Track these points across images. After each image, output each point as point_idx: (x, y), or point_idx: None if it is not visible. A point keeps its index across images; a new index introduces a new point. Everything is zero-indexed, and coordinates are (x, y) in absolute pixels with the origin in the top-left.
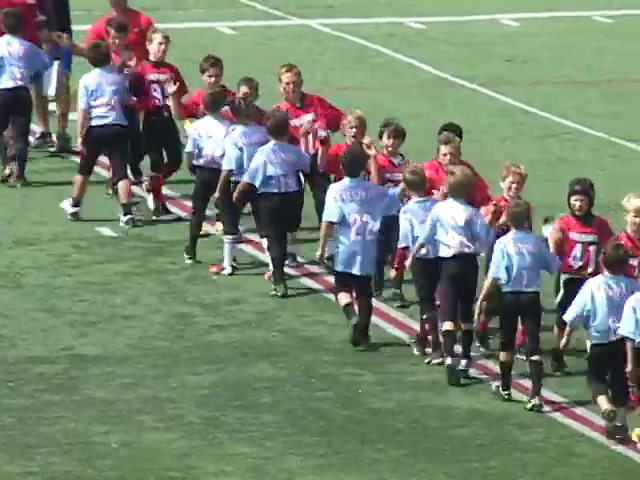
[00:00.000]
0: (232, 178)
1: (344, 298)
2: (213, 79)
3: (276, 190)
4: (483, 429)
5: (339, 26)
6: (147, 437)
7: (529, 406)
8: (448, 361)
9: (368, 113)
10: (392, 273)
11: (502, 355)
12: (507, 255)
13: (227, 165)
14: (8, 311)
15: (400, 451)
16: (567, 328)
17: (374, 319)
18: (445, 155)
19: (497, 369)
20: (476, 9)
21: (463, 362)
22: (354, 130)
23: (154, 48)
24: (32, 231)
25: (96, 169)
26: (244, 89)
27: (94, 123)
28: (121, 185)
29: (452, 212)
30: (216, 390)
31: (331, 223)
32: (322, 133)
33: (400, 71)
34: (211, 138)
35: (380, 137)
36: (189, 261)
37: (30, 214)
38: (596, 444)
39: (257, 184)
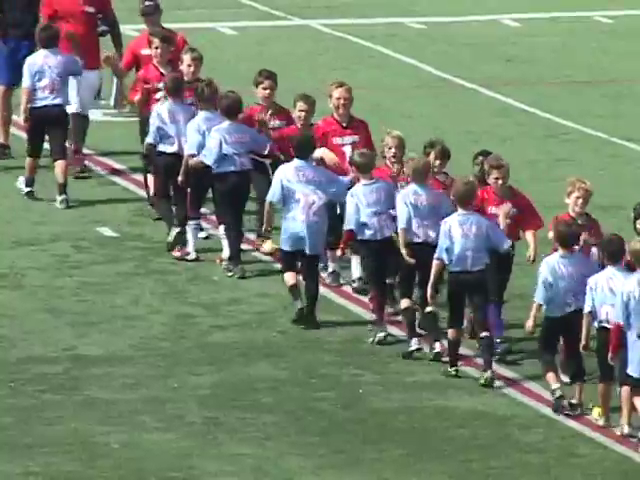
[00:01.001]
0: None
1: (290, 279)
2: (267, 92)
3: (231, 169)
4: (484, 429)
5: (340, 26)
6: (148, 437)
7: (482, 381)
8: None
9: (369, 113)
10: (338, 252)
11: (450, 332)
12: (450, 237)
13: (189, 150)
14: (9, 311)
15: (400, 451)
16: (534, 310)
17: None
18: (497, 179)
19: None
20: (477, 9)
21: (413, 341)
22: (393, 150)
23: (184, 69)
24: (33, 231)
25: (102, 172)
26: (301, 105)
27: (36, 104)
28: (58, 164)
29: (416, 197)
30: (217, 390)
31: (271, 203)
32: (334, 160)
33: (401, 71)
34: (173, 123)
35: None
36: (177, 253)
37: (30, 214)
38: (596, 444)
39: (211, 162)
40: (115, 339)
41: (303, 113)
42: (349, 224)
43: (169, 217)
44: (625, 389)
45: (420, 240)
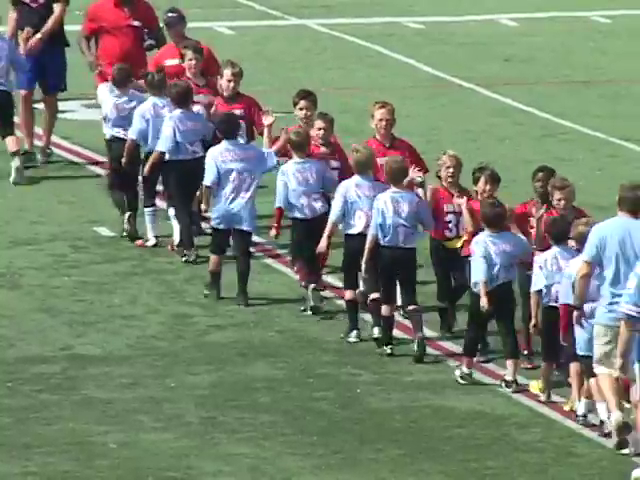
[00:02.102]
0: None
1: (215, 264)
2: (304, 112)
3: (183, 157)
4: (481, 429)
5: (337, 26)
6: (145, 437)
7: (416, 353)
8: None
9: (366, 113)
10: (272, 232)
11: (384, 309)
12: (382, 213)
13: (131, 134)
14: (6, 311)
15: (398, 451)
16: (482, 288)
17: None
18: (560, 200)
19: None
20: (474, 9)
21: (353, 333)
22: (451, 170)
23: (224, 84)
24: (30, 231)
25: (100, 172)
26: (319, 124)
27: None
28: (8, 140)
29: (359, 189)
30: (214, 390)
31: (209, 187)
32: (418, 179)
33: (398, 71)
34: (119, 115)
35: (475, 182)
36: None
37: (28, 214)
38: (594, 444)
39: (165, 149)
40: (113, 339)
41: (322, 131)
42: (278, 202)
43: (122, 205)
44: (574, 365)
45: (360, 231)
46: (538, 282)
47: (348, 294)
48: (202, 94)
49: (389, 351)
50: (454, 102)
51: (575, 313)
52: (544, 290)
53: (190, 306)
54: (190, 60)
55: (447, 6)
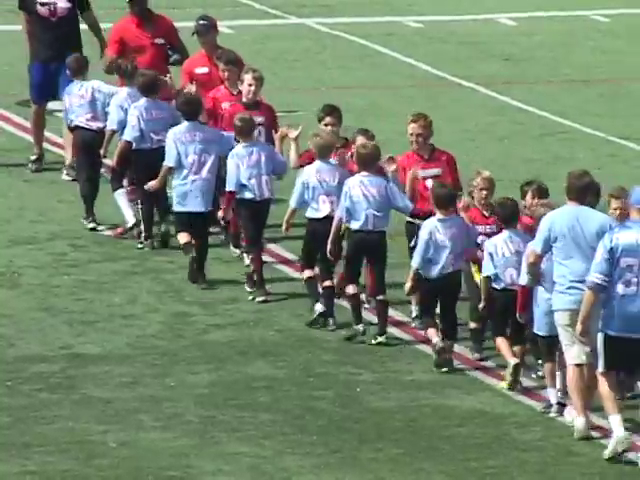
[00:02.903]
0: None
1: (184, 237)
2: (329, 128)
3: (147, 146)
4: (481, 428)
5: (337, 25)
6: (145, 436)
7: (375, 342)
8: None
9: (366, 112)
10: (220, 214)
11: (350, 288)
12: (350, 197)
13: (110, 125)
14: (6, 310)
15: (398, 450)
16: (411, 273)
17: (373, 319)
18: (615, 209)
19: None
20: (474, 8)
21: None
22: (484, 192)
23: (245, 89)
24: (30, 230)
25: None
26: (361, 139)
27: None
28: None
29: (320, 175)
30: (214, 389)
31: (170, 168)
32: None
33: (398, 70)
34: (80, 104)
35: (523, 197)
36: (91, 224)
37: (28, 213)
38: (594, 443)
39: (130, 139)
40: (112, 338)
41: None
42: (229, 185)
43: (87, 193)
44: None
45: (325, 215)
46: (487, 268)
47: (307, 272)
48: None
49: (362, 329)
50: (453, 101)
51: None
52: (494, 275)
53: (190, 305)
54: (223, 71)
55: (447, 5)
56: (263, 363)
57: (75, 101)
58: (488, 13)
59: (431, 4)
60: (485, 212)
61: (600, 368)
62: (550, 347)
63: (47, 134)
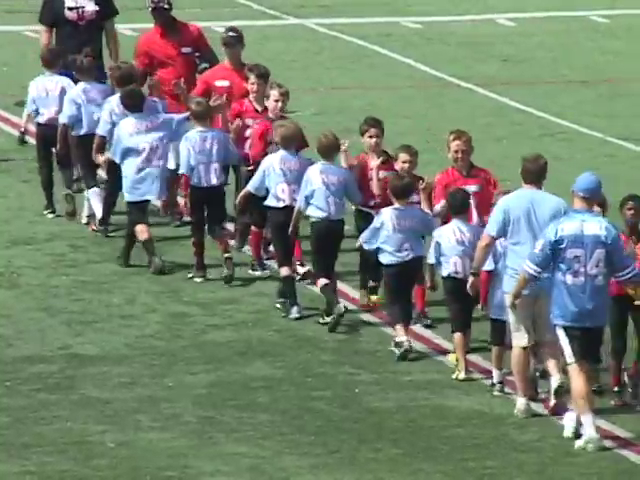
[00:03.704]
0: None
1: (144, 233)
2: (374, 140)
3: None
4: (480, 429)
5: (335, 26)
6: (143, 436)
7: (322, 321)
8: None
9: (364, 113)
10: (182, 201)
11: (322, 280)
12: (310, 185)
13: (62, 119)
14: (5, 310)
15: (397, 450)
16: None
17: (371, 318)
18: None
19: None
20: (472, 9)
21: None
22: None
23: (271, 105)
24: (29, 230)
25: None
26: (404, 157)
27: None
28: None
29: (283, 163)
30: (213, 389)
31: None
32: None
33: (396, 71)
34: (47, 96)
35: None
36: (50, 215)
37: (27, 214)
38: None
39: (104, 133)
40: (111, 338)
41: (407, 165)
42: (182, 168)
43: (47, 185)
44: (457, 335)
45: (286, 204)
46: (432, 256)
47: (284, 271)
48: (258, 119)
49: (298, 314)
50: (452, 102)
51: (471, 278)
52: (440, 262)
53: (188, 305)
54: (252, 84)
55: (445, 6)
56: (262, 363)
57: (42, 93)
58: (487, 14)
59: (429, 5)
60: None
61: (568, 359)
62: (500, 331)
63: None
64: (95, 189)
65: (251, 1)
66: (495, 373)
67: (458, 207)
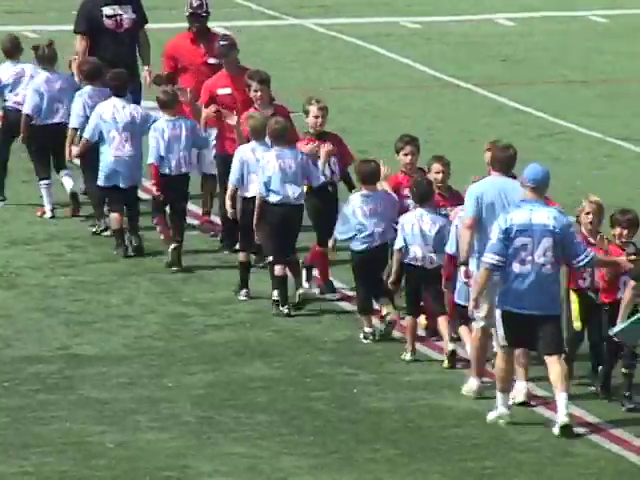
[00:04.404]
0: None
1: (116, 222)
2: (409, 158)
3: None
4: (478, 429)
5: (334, 26)
6: (142, 437)
7: (297, 300)
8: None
9: (363, 113)
10: (154, 190)
11: (277, 269)
12: (267, 171)
13: (26, 109)
14: (3, 311)
15: (395, 451)
16: (331, 243)
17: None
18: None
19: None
20: (471, 9)
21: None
22: (590, 217)
23: (311, 121)
24: (27, 231)
25: None
26: (437, 167)
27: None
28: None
29: (256, 154)
30: (211, 390)
31: (88, 141)
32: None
33: (395, 71)
34: (9, 84)
35: (612, 226)
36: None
37: (25, 214)
38: (591, 444)
39: (77, 125)
40: (109, 338)
41: (440, 175)
42: (151, 157)
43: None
44: (442, 318)
45: (251, 195)
46: (398, 242)
47: (242, 256)
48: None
49: (286, 311)
50: (451, 102)
51: (462, 268)
52: (403, 249)
53: (187, 306)
54: (256, 92)
55: (444, 6)
56: (260, 364)
57: (7, 80)
58: (486, 14)
59: (428, 5)
60: (590, 237)
61: (501, 341)
62: (462, 314)
63: None
64: (46, 182)
65: (250, 1)
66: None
67: (423, 196)
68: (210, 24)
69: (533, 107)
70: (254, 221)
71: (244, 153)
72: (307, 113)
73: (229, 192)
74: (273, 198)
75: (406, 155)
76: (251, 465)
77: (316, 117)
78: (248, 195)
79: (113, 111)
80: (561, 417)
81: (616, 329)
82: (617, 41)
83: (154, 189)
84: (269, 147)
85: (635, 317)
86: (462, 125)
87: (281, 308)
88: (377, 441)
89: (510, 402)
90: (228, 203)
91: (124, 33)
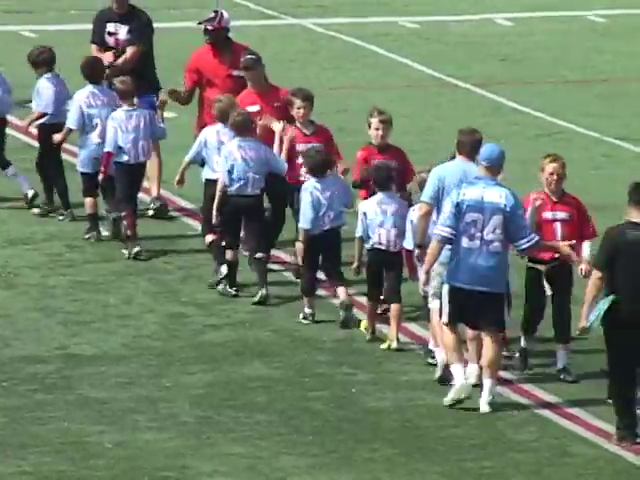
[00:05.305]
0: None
1: (90, 206)
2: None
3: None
4: (477, 429)
5: (332, 26)
6: (141, 437)
7: (256, 299)
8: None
9: (361, 113)
10: (100, 177)
11: (228, 254)
12: (230, 160)
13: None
14: (1, 310)
15: (394, 450)
16: (302, 235)
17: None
18: None
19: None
20: (470, 8)
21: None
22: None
23: (372, 133)
24: (26, 230)
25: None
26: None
27: None
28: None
29: (220, 136)
30: (210, 390)
31: (70, 129)
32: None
33: (394, 71)
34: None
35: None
36: None
37: (24, 214)
38: (590, 444)
39: (52, 111)
40: (108, 338)
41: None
42: (107, 146)
43: None
44: (394, 306)
45: (210, 177)
46: (360, 229)
47: (208, 238)
48: (310, 143)
49: (234, 292)
50: (450, 102)
51: (416, 251)
52: (366, 235)
53: (185, 306)
54: (299, 109)
55: (443, 6)
56: (259, 364)
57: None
58: (484, 13)
59: (427, 4)
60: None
61: (444, 318)
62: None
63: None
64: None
65: (248, 1)
66: (432, 342)
67: (382, 181)
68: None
69: (531, 107)
70: (214, 205)
71: (208, 134)
72: (369, 125)
73: (182, 165)
74: (233, 187)
75: (377, 130)
76: (250, 465)
77: (377, 129)
78: (208, 177)
79: (92, 98)
80: (483, 405)
81: (589, 324)
82: (616, 41)
83: (100, 176)
84: (229, 130)
85: (602, 307)
86: (460, 125)
87: (229, 289)
88: (375, 441)
89: (470, 377)
90: (177, 177)
91: (122, 51)
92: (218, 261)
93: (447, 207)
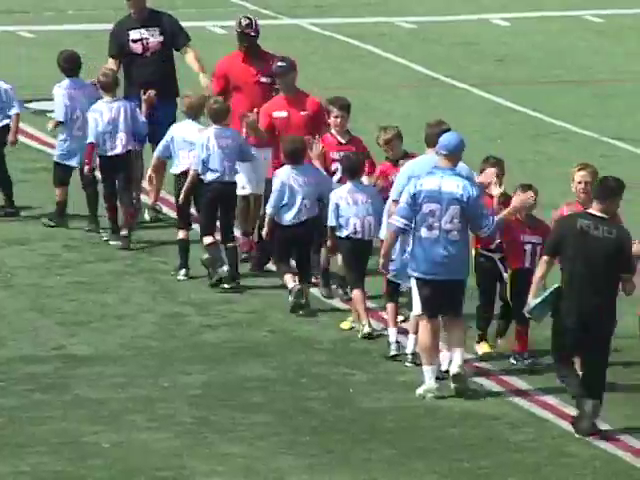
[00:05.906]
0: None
1: (60, 195)
2: (497, 180)
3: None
4: (474, 429)
5: (329, 26)
6: (138, 437)
7: (227, 286)
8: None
9: (358, 113)
10: (85, 169)
11: (207, 239)
12: (206, 149)
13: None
14: None
15: (391, 451)
16: (267, 222)
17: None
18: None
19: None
20: (467, 9)
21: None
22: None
23: (383, 148)
24: (23, 231)
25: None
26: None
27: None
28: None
29: (186, 132)
30: (207, 390)
31: (60, 122)
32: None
33: (391, 71)
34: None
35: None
36: None
37: (21, 213)
38: (587, 444)
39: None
40: (105, 338)
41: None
42: (89, 137)
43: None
44: (356, 292)
45: (184, 169)
46: (332, 219)
47: (180, 234)
48: (344, 152)
49: (225, 285)
50: (447, 102)
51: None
52: (341, 224)
53: (183, 306)
54: (336, 117)
55: (440, 6)
56: (256, 364)
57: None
58: (481, 14)
59: (424, 5)
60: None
61: (416, 310)
62: (393, 290)
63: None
64: None
65: (245, 1)
66: (391, 331)
67: (353, 171)
68: (205, 24)
69: (528, 107)
70: (182, 193)
71: (175, 129)
72: (379, 140)
73: (152, 162)
74: (210, 176)
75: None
76: (247, 465)
77: (387, 143)
78: (175, 172)
79: (71, 90)
80: (454, 368)
81: (530, 307)
82: (612, 41)
83: (86, 168)
84: (204, 126)
85: (546, 294)
86: (458, 125)
87: (218, 270)
88: (373, 441)
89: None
90: (149, 173)
91: (150, 57)
92: (182, 262)
93: (404, 197)
